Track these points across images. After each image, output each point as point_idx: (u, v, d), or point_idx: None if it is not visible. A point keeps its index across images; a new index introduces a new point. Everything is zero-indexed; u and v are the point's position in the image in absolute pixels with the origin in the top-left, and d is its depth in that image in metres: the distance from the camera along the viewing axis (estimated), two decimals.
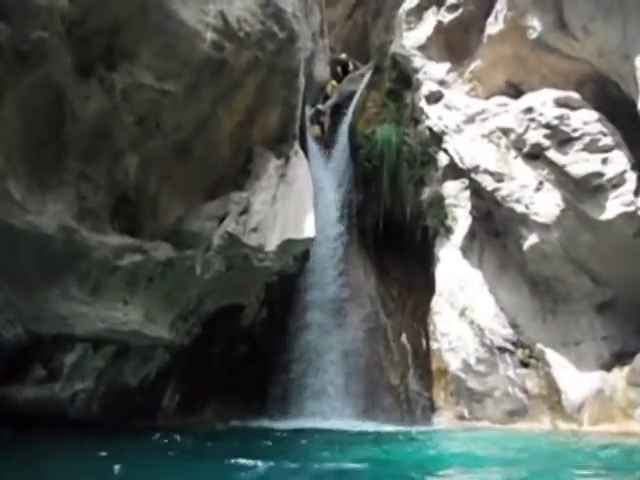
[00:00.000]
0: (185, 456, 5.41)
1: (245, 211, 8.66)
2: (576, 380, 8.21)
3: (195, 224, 8.35)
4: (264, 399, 9.28)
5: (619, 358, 8.20)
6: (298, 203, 9.01)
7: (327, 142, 11.46)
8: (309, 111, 11.68)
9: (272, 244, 8.73)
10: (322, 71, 12.69)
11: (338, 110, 11.64)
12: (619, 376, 7.93)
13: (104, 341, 7.67)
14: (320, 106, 11.82)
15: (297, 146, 9.49)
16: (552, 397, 8.31)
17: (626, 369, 7.90)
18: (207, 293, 8.69)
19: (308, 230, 8.86)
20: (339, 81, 13.04)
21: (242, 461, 4.65)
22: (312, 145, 11.01)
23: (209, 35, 7.34)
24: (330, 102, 12.17)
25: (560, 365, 8.40)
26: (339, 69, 13.57)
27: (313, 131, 11.56)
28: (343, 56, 13.88)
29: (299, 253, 9.20)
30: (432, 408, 8.84)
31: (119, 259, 7.46)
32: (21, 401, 6.85)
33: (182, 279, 8.24)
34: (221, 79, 7.81)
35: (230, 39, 7.65)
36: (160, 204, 8.08)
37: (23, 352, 6.84)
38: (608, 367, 8.18)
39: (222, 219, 8.51)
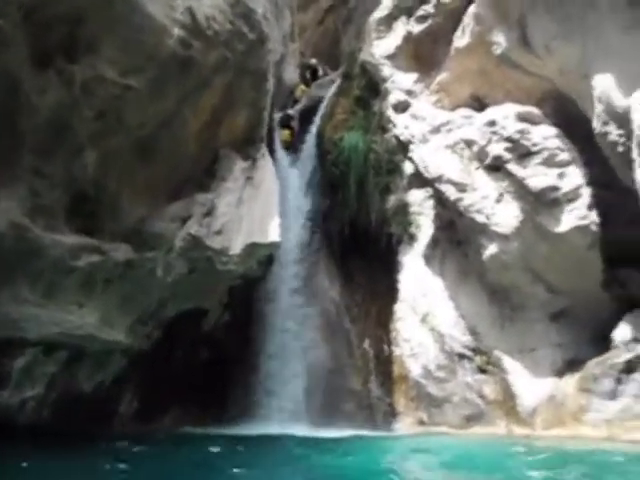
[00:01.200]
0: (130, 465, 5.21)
1: (209, 213, 8.51)
2: (530, 386, 8.46)
3: (157, 225, 8.13)
4: (225, 405, 9.12)
5: (572, 365, 8.50)
6: (264, 206, 8.94)
7: (295, 146, 11.42)
8: (278, 115, 11.61)
9: (236, 247, 8.62)
10: (291, 75, 12.67)
11: (306, 115, 11.62)
12: (570, 382, 8.22)
13: (57, 345, 7.37)
14: (290, 110, 11.77)
15: (264, 149, 9.42)
16: (508, 402, 8.53)
17: (577, 375, 8.20)
18: (168, 296, 8.48)
19: (273, 234, 8.81)
20: (308, 86, 13.04)
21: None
22: (279, 149, 10.96)
23: (176, 31, 7.18)
24: (299, 106, 12.14)
25: (516, 371, 8.64)
26: (308, 74, 13.56)
27: (282, 135, 11.49)
28: (313, 61, 13.88)
29: (264, 257, 9.12)
30: (393, 413, 8.91)
31: (75, 259, 7.17)
32: None
33: (142, 281, 8.01)
34: (187, 77, 7.65)
35: (198, 37, 7.50)
36: (121, 203, 7.82)
37: None
38: (561, 374, 8.47)
39: (185, 220, 8.33)
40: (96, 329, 7.62)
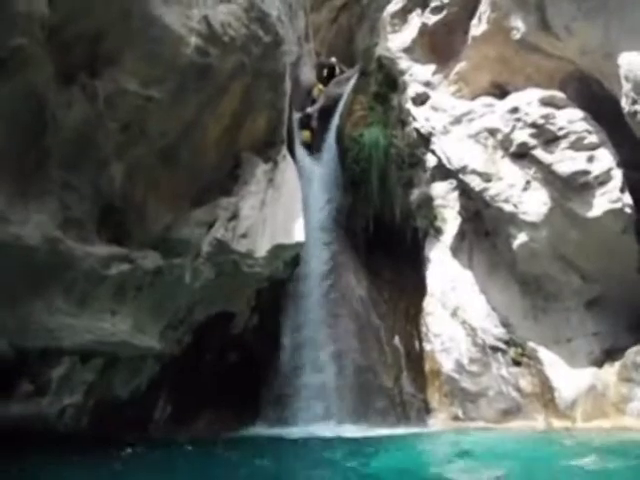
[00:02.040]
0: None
1: (234, 217, 8.57)
2: (568, 377, 8.24)
3: (183, 231, 8.24)
4: (257, 407, 9.15)
5: (610, 354, 8.26)
6: (287, 208, 8.95)
7: (315, 146, 11.42)
8: (297, 115, 11.62)
9: (262, 249, 8.66)
10: (308, 75, 12.68)
11: (325, 114, 11.60)
12: (610, 372, 7.98)
13: (92, 353, 7.50)
14: (309, 110, 11.76)
15: (285, 150, 9.43)
16: (545, 395, 8.33)
17: (617, 365, 7.96)
18: (197, 301, 8.57)
19: (298, 235, 8.81)
20: (325, 85, 13.02)
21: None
22: (300, 149, 10.97)
23: (193, 40, 7.27)
24: (317, 106, 12.13)
25: (552, 363, 8.44)
26: (325, 73, 13.54)
27: (303, 136, 11.49)
28: (329, 60, 13.86)
29: (289, 258, 9.12)
30: (427, 410, 8.80)
31: (106, 269, 7.32)
32: (8, 417, 6.65)
33: (171, 288, 8.12)
34: (206, 84, 7.74)
35: (214, 44, 7.58)
36: (147, 212, 7.96)
37: (9, 367, 6.65)
38: (599, 363, 8.24)
39: (211, 225, 8.42)
40: (129, 336, 7.75)
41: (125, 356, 7.89)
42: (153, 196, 7.94)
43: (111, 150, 7.29)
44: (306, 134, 11.56)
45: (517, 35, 9.10)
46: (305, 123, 11.64)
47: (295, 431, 8.35)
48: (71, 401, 7.49)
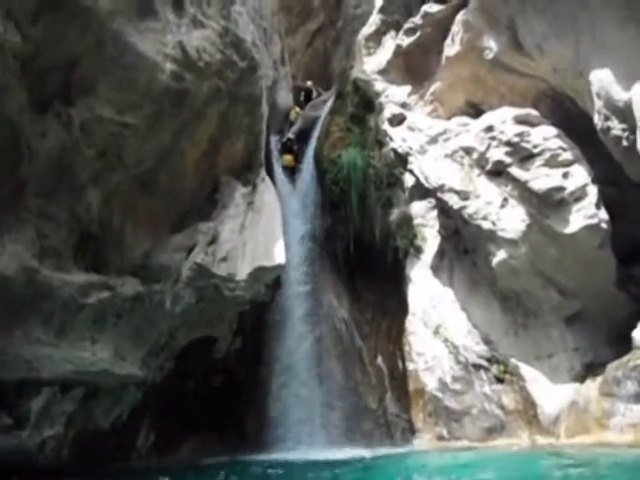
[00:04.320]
0: None
1: (213, 241, 8.58)
2: (551, 393, 8.25)
3: (163, 257, 8.22)
4: (242, 432, 9.08)
5: (591, 369, 8.28)
6: (267, 230, 8.98)
7: (293, 168, 11.49)
8: (275, 138, 11.70)
9: (242, 273, 8.65)
10: (285, 98, 12.80)
11: (303, 136, 11.70)
12: (592, 387, 7.98)
13: (72, 383, 7.42)
14: (290, 134, 11.83)
15: (264, 173, 9.49)
16: (528, 411, 8.32)
17: (598, 379, 7.95)
18: (178, 327, 8.52)
19: (278, 257, 8.82)
20: (302, 108, 13.16)
21: None
22: (279, 171, 11.04)
23: (168, 66, 7.33)
24: (294, 128, 12.24)
25: (534, 379, 8.45)
26: (302, 96, 13.70)
27: (285, 160, 11.54)
28: (305, 83, 14.03)
29: (270, 280, 9.13)
30: (411, 430, 8.77)
31: (85, 297, 7.27)
32: None
33: (152, 314, 8.07)
34: (182, 110, 7.79)
35: (190, 69, 7.65)
36: (125, 238, 7.93)
37: None
38: (581, 378, 8.25)
39: (190, 250, 8.41)
40: (110, 364, 7.68)
41: (106, 385, 7.81)
42: (131, 222, 7.93)
43: (88, 177, 7.29)
44: (288, 158, 11.63)
45: (490, 55, 9.27)
46: (287, 147, 11.71)
47: (280, 455, 8.28)
48: (51, 433, 7.38)
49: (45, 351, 6.98)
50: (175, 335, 8.57)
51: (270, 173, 10.04)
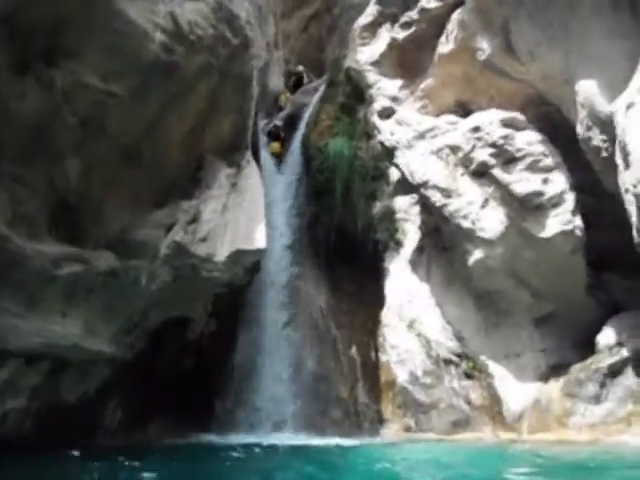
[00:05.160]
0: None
1: (194, 220, 8.44)
2: (516, 391, 8.49)
3: (141, 233, 8.05)
4: (211, 414, 9.02)
5: (555, 370, 8.56)
6: (249, 213, 8.88)
7: (280, 155, 11.37)
8: (263, 122, 11.55)
9: (222, 254, 8.55)
10: (276, 82, 12.65)
11: (291, 122, 11.59)
12: (555, 387, 8.27)
13: (40, 356, 7.21)
14: (277, 121, 11.69)
15: (249, 155, 9.37)
16: (493, 408, 8.55)
17: (562, 380, 8.25)
18: (152, 305, 8.37)
19: (259, 241, 8.75)
20: (293, 93, 13.01)
21: None
22: (265, 155, 10.91)
23: (158, 36, 7.13)
24: (283, 114, 12.11)
25: (501, 376, 8.68)
26: (293, 81, 13.54)
27: (273, 147, 11.40)
28: (298, 68, 13.87)
29: (249, 264, 9.05)
30: (380, 420, 8.88)
31: (57, 269, 7.07)
32: None
33: (126, 290, 7.90)
34: (171, 83, 7.61)
35: (181, 42, 7.47)
36: (104, 211, 7.74)
37: None
38: (545, 378, 8.52)
39: (170, 228, 8.26)
40: (80, 339, 7.50)
41: (74, 359, 7.62)
42: (111, 195, 7.73)
43: (67, 144, 7.07)
44: (275, 145, 11.49)
45: (482, 56, 9.35)
46: (274, 134, 11.56)
47: (249, 439, 8.28)
48: (14, 405, 7.17)
49: (13, 322, 6.77)
50: (149, 313, 8.42)
51: (256, 156, 9.92)
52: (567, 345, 8.71)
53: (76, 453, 6.43)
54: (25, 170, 6.79)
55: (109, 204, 7.75)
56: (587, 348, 8.29)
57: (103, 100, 7.00)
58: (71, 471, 5.48)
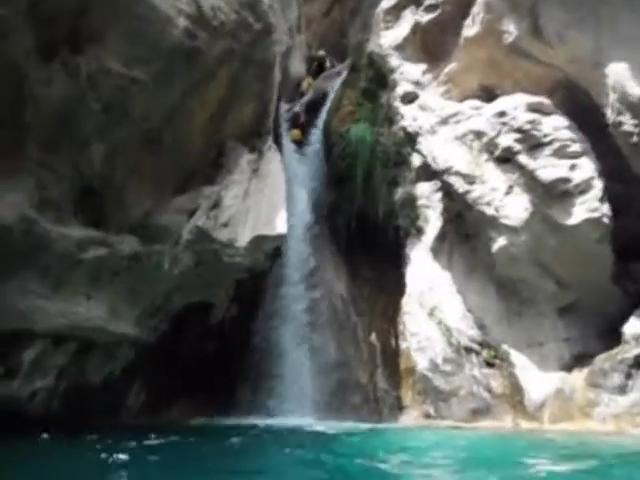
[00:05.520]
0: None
1: (216, 205, 8.50)
2: (538, 380, 8.39)
3: (164, 217, 8.15)
4: (232, 397, 9.15)
5: (579, 359, 8.42)
6: (270, 199, 8.90)
7: (301, 142, 11.29)
8: (285, 107, 11.47)
9: (243, 240, 8.61)
10: (298, 67, 12.56)
11: (313, 108, 11.49)
12: (579, 377, 8.15)
13: (65, 337, 7.41)
14: (297, 108, 11.59)
15: (271, 141, 9.37)
16: (515, 396, 8.47)
17: (586, 370, 8.12)
18: (175, 289, 8.49)
19: (280, 226, 8.77)
20: (315, 78, 12.89)
21: None
22: (286, 140, 10.87)
23: (181, 21, 7.15)
24: (305, 99, 12.01)
25: (523, 365, 8.57)
26: (315, 66, 13.41)
27: (293, 135, 11.32)
28: (320, 53, 13.73)
29: (270, 250, 9.09)
30: (399, 406, 8.88)
31: (82, 252, 7.22)
32: None
33: (149, 274, 8.03)
34: (193, 69, 7.63)
35: (204, 27, 7.47)
36: (127, 196, 7.85)
37: None
38: (569, 368, 8.39)
39: (192, 213, 8.34)
40: (104, 321, 7.67)
41: (100, 341, 7.80)
42: (134, 180, 7.82)
43: (92, 130, 7.16)
44: (295, 132, 11.41)
45: (509, 39, 9.11)
46: (295, 121, 11.47)
47: (268, 422, 8.38)
48: (42, 384, 7.40)
49: (40, 304, 6.95)
50: (171, 297, 8.54)
51: (277, 142, 9.89)
52: (591, 335, 8.55)
53: (97, 433, 6.60)
54: (51, 156, 6.91)
55: (132, 189, 7.85)
56: (612, 338, 8.13)
57: (126, 86, 7.07)
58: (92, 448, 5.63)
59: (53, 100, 6.66)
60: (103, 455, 4.86)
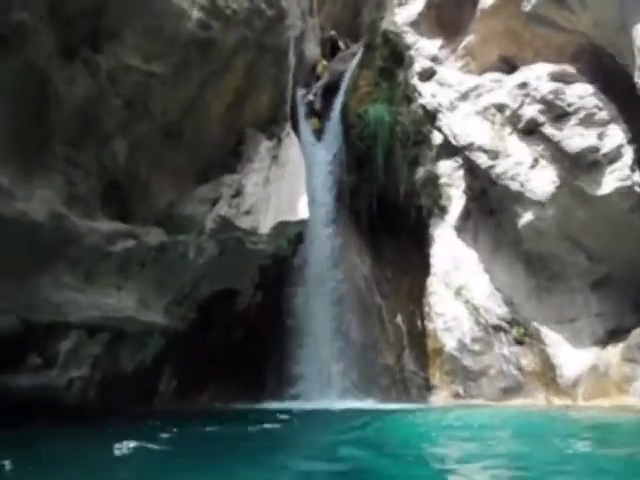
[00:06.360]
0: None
1: (237, 194, 8.58)
2: (571, 357, 8.23)
3: (187, 208, 8.28)
4: (262, 382, 9.31)
5: (613, 335, 8.21)
6: (291, 185, 8.92)
7: (318, 129, 11.22)
8: (301, 92, 11.40)
9: (265, 227, 8.68)
10: (312, 50, 12.46)
11: (329, 90, 11.40)
12: (613, 352, 7.94)
13: (98, 328, 7.64)
14: (311, 96, 11.46)
15: (289, 127, 9.35)
16: (547, 374, 8.34)
17: (620, 345, 7.91)
18: (201, 278, 8.65)
19: (302, 212, 8.79)
20: (329, 60, 12.76)
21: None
22: (303, 126, 10.84)
23: (195, 13, 7.19)
24: (321, 82, 11.91)
25: (555, 342, 8.42)
26: (329, 48, 13.26)
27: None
28: (333, 34, 13.55)
29: (293, 235, 9.14)
30: (427, 387, 8.88)
31: (111, 245, 7.41)
32: (17, 389, 6.84)
33: (175, 264, 8.20)
34: (209, 59, 7.67)
35: (217, 17, 7.48)
36: (151, 188, 8.00)
37: (18, 341, 6.81)
38: (603, 344, 8.20)
39: (214, 202, 8.44)
40: (134, 311, 7.88)
41: (131, 331, 8.03)
42: (157, 173, 7.97)
43: (114, 126, 7.30)
44: (314, 121, 11.32)
45: (527, 7, 8.80)
46: (311, 110, 11.36)
47: (298, 405, 8.50)
48: (78, 374, 7.65)
49: (72, 296, 7.18)
50: (198, 286, 8.71)
51: (295, 127, 9.89)
52: (625, 309, 8.31)
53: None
54: (77, 153, 7.08)
55: (155, 182, 7.99)
56: None
57: (145, 81, 7.16)
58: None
59: (76, 99, 6.81)
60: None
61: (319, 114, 11.43)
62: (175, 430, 5.70)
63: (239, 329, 9.39)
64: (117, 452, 4.37)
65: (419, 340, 9.13)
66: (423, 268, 9.43)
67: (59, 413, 6.73)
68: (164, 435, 5.25)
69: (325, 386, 8.98)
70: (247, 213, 8.58)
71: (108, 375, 7.91)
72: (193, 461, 4.29)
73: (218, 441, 5.35)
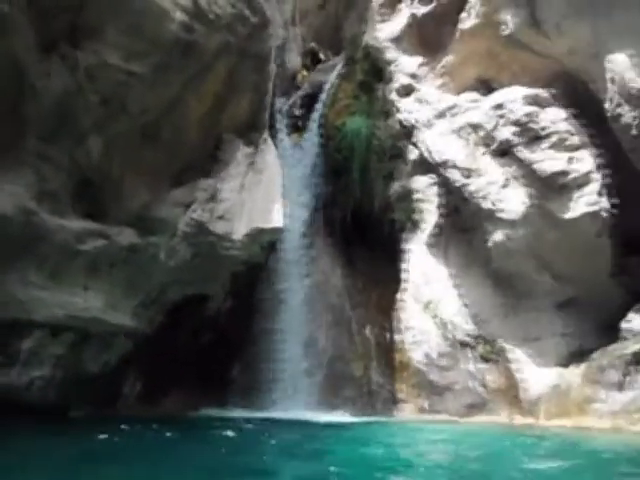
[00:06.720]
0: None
1: (212, 198, 8.57)
2: (534, 375, 8.34)
3: (161, 210, 8.23)
4: (227, 389, 9.21)
5: (577, 355, 8.35)
6: (267, 192, 8.95)
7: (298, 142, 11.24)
8: (280, 101, 11.43)
9: (239, 232, 8.68)
10: (293, 60, 12.58)
11: (308, 101, 11.47)
12: (576, 373, 8.08)
13: (63, 327, 7.50)
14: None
15: (267, 134, 9.41)
16: (510, 391, 8.43)
17: (583, 366, 8.04)
18: (171, 281, 8.56)
19: (276, 220, 8.82)
20: (310, 71, 12.86)
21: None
22: (282, 134, 10.88)
23: (178, 15, 7.21)
24: (301, 92, 11.99)
25: (520, 360, 8.52)
26: (310, 59, 13.37)
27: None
28: (315, 46, 13.69)
29: (266, 243, 9.14)
30: (394, 400, 8.89)
31: (80, 243, 7.32)
32: None
33: (146, 266, 8.12)
34: (190, 62, 7.69)
35: (200, 21, 7.52)
36: (124, 188, 7.93)
37: None
38: (566, 363, 8.33)
39: (188, 206, 8.42)
40: (101, 312, 7.76)
41: (96, 332, 7.90)
42: (131, 173, 7.91)
43: (90, 123, 7.25)
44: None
45: (506, 31, 9.05)
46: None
47: (263, 414, 8.44)
48: (39, 373, 7.47)
49: (38, 294, 7.05)
50: (167, 289, 8.62)
51: (273, 135, 9.93)
52: (589, 330, 8.47)
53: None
54: (50, 148, 7.00)
55: (129, 182, 7.93)
56: (610, 334, 8.06)
57: (124, 80, 7.14)
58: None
59: (52, 93, 6.75)
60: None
61: (300, 128, 11.42)
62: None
63: (208, 334, 9.29)
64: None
65: (387, 353, 9.16)
66: (394, 281, 9.49)
67: (19, 414, 6.57)
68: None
69: (291, 396, 8.94)
70: (221, 218, 8.57)
71: (70, 376, 7.72)
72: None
73: (161, 446, 5.25)
